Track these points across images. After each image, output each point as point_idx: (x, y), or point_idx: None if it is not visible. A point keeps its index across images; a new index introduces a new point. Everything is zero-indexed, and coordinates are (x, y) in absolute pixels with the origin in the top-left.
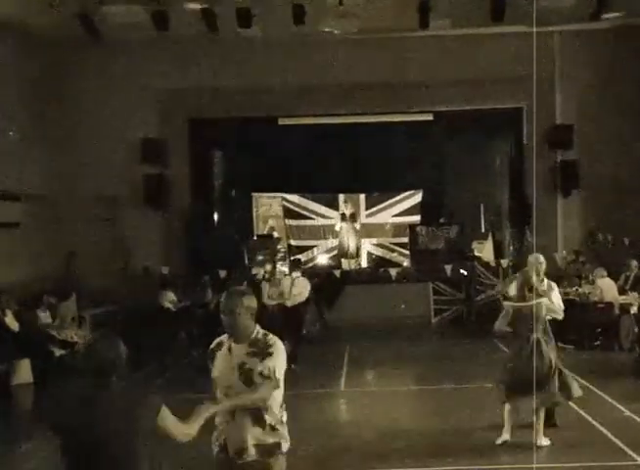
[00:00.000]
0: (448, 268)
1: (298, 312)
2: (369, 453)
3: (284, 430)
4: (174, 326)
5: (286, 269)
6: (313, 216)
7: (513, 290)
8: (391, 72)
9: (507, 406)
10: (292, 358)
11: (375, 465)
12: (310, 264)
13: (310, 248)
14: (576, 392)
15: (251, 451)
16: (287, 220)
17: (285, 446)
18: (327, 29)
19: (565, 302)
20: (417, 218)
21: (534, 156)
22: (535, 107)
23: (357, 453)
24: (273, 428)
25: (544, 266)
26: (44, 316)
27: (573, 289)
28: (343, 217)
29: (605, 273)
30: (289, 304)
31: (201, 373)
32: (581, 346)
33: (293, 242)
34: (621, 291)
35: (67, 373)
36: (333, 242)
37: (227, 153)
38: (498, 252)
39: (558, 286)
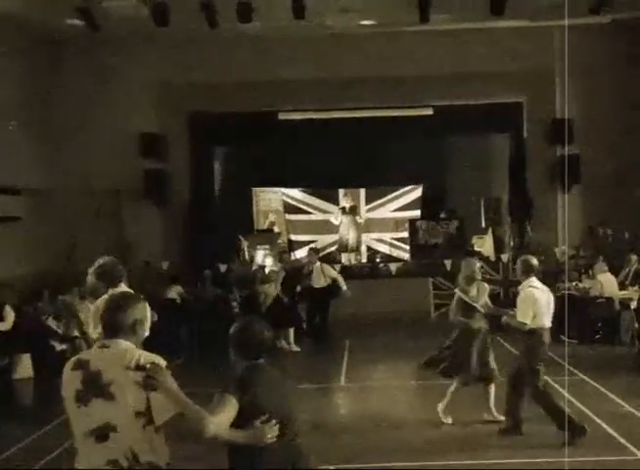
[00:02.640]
0: (448, 263)
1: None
2: (369, 448)
3: None
4: (176, 320)
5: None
6: (313, 211)
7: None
8: (392, 67)
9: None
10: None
11: (375, 459)
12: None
13: (310, 243)
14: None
15: None
16: (287, 215)
17: None
18: (327, 24)
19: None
20: (417, 213)
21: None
22: (535, 101)
23: (357, 448)
24: None
25: (473, 271)
26: (46, 311)
27: (574, 284)
28: (344, 212)
29: (605, 268)
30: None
31: (201, 368)
32: (581, 340)
33: (293, 237)
34: (622, 286)
35: None
36: (333, 237)
37: (227, 147)
38: (498, 246)
39: (558, 281)
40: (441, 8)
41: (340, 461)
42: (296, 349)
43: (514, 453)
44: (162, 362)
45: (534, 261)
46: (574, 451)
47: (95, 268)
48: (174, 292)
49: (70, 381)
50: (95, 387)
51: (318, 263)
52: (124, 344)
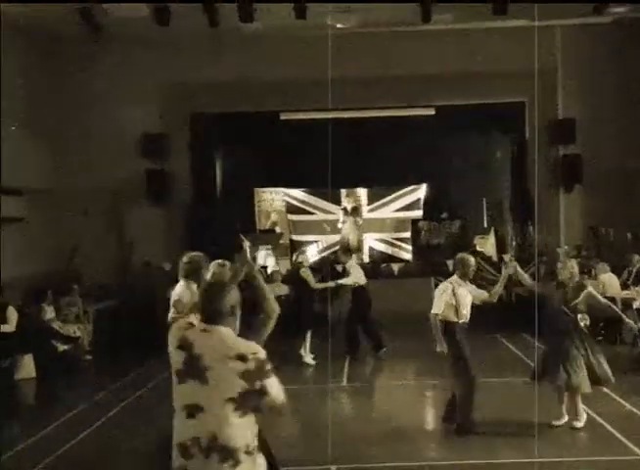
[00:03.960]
0: (451, 263)
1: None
2: (370, 447)
3: None
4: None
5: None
6: (315, 211)
7: None
8: (394, 67)
9: None
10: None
11: (376, 458)
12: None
13: (312, 243)
14: None
15: None
16: (289, 215)
17: None
18: (328, 23)
19: None
20: (419, 213)
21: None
22: (537, 101)
23: (358, 446)
24: None
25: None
26: (48, 311)
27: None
28: (345, 212)
29: (607, 268)
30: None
31: None
32: None
33: (294, 237)
34: (624, 286)
35: None
36: (335, 237)
37: (229, 148)
38: (500, 246)
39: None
40: (444, 7)
41: (342, 462)
42: (310, 361)
43: (517, 453)
44: (262, 352)
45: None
46: (576, 451)
47: (184, 262)
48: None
49: (176, 358)
50: (193, 369)
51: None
52: (224, 330)
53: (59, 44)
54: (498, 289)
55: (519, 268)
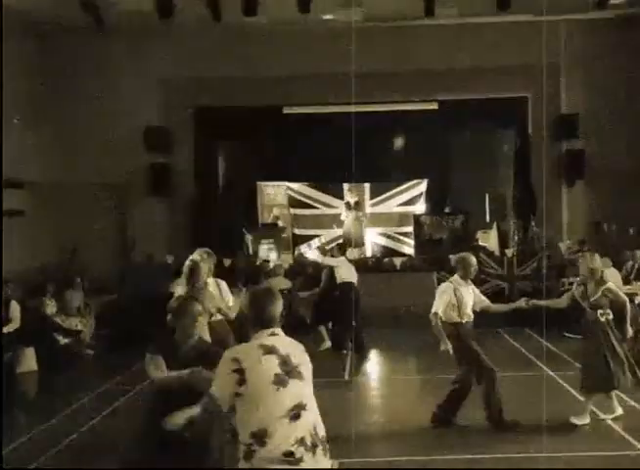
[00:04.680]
0: (453, 258)
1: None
2: (372, 442)
3: None
4: None
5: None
6: (318, 205)
7: None
8: (397, 61)
9: None
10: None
11: (379, 453)
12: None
13: (315, 237)
14: None
15: None
16: (291, 209)
17: None
18: (332, 18)
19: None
20: (421, 208)
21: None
22: (540, 96)
23: (360, 441)
24: None
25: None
26: (50, 305)
27: (578, 279)
28: (348, 207)
29: (609, 263)
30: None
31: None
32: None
33: (297, 231)
34: (626, 281)
35: None
36: (337, 231)
37: (232, 142)
38: (503, 241)
39: (562, 276)
40: (447, 2)
41: (344, 456)
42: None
43: (520, 448)
44: None
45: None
46: (577, 446)
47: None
48: (179, 286)
49: (267, 365)
50: (290, 369)
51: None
52: (281, 331)
53: (61, 37)
54: (500, 308)
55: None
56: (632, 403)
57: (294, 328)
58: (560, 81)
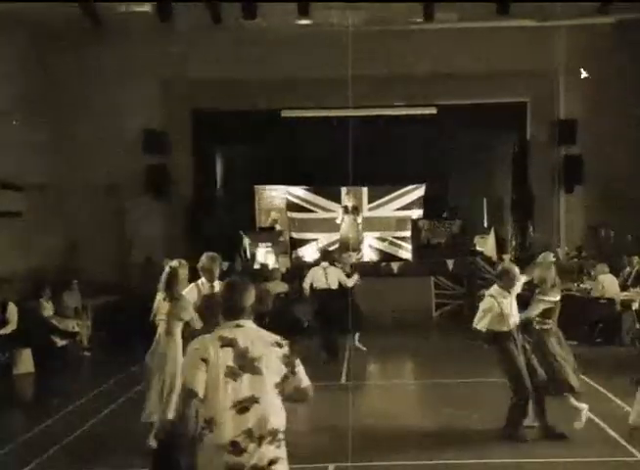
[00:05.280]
0: (450, 263)
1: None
2: (369, 446)
3: None
4: None
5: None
6: (315, 209)
7: None
8: (396, 66)
9: None
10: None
11: (373, 457)
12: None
13: (312, 241)
14: None
15: None
16: (289, 213)
17: None
18: (331, 21)
19: (566, 297)
20: (419, 212)
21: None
22: (539, 101)
23: (356, 445)
24: None
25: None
26: (47, 306)
27: (575, 284)
28: (346, 211)
29: (607, 269)
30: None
31: None
32: (582, 341)
33: (294, 235)
34: (623, 287)
35: None
36: (335, 235)
37: (229, 145)
38: (501, 246)
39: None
40: (446, 6)
41: (341, 459)
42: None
43: (515, 453)
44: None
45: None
46: (575, 452)
47: None
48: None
49: (223, 357)
50: (245, 363)
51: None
52: (252, 324)
53: (59, 39)
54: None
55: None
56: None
57: (290, 330)
58: (558, 87)
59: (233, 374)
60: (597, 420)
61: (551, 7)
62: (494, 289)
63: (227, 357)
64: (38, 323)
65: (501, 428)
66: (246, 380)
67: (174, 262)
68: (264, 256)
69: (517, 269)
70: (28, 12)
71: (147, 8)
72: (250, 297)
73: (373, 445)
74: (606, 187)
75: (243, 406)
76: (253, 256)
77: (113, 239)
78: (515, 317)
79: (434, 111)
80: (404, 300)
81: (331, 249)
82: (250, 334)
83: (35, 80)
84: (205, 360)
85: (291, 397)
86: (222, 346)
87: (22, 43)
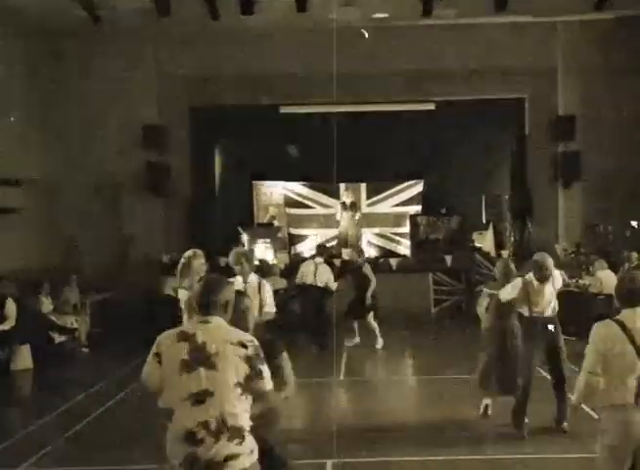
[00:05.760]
0: (449, 259)
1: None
2: (366, 441)
3: None
4: (173, 314)
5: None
6: (314, 205)
7: None
8: (394, 61)
9: None
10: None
11: (371, 452)
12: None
13: (310, 237)
14: None
15: None
16: (287, 209)
17: None
18: (330, 17)
19: (565, 293)
20: (418, 208)
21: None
22: (538, 98)
23: (354, 441)
24: None
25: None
26: (45, 302)
27: (573, 280)
28: (344, 207)
29: (605, 265)
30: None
31: None
32: (581, 337)
33: (293, 230)
34: None
35: None
36: (333, 231)
37: (228, 141)
38: (499, 242)
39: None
40: (445, 2)
41: (338, 455)
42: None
43: (512, 449)
44: (255, 340)
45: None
46: (573, 448)
47: None
48: (169, 286)
49: (177, 351)
50: (201, 357)
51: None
52: (220, 320)
53: (58, 35)
54: None
55: None
56: None
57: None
58: (557, 83)
59: (187, 367)
60: (595, 416)
61: (549, 3)
62: (529, 274)
63: (181, 352)
64: (37, 319)
65: (500, 424)
66: (201, 373)
67: (189, 252)
68: (263, 251)
69: (548, 261)
70: (26, 8)
71: (145, 4)
72: (223, 293)
73: (370, 440)
74: (604, 183)
75: (197, 399)
76: (252, 251)
77: (111, 235)
78: (542, 307)
79: (432, 107)
80: (403, 296)
81: (329, 245)
82: (212, 331)
83: (33, 76)
84: (157, 355)
85: (255, 398)
86: (178, 341)
87: (20, 39)
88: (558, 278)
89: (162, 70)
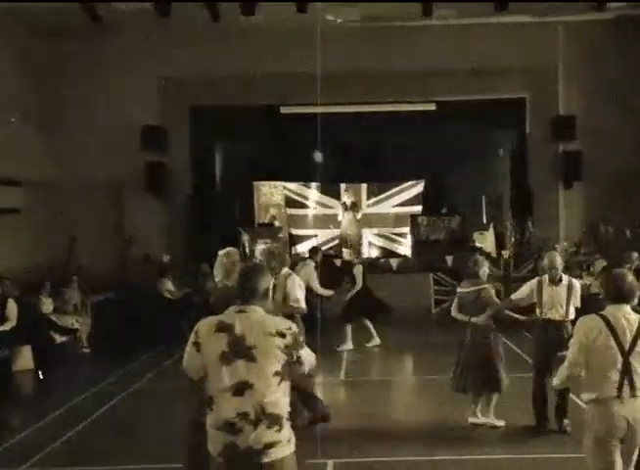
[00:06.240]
0: (449, 259)
1: None
2: (366, 441)
3: None
4: (174, 314)
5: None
6: (314, 206)
7: None
8: (394, 61)
9: None
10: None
11: (371, 452)
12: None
13: (311, 237)
14: None
15: None
16: (288, 209)
17: None
18: (330, 18)
19: None
20: (418, 209)
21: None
22: (538, 97)
23: (354, 441)
24: None
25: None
26: (46, 303)
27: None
28: (345, 207)
29: (606, 265)
30: None
31: None
32: None
33: (293, 231)
34: None
35: None
36: (334, 231)
37: (228, 141)
38: (499, 242)
39: None
40: (445, 2)
41: (338, 455)
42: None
43: (511, 449)
44: (294, 326)
45: None
46: (572, 446)
47: None
48: (165, 289)
49: (216, 342)
50: (240, 349)
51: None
52: (259, 310)
53: (58, 35)
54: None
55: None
56: None
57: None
58: (558, 82)
59: (226, 359)
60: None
61: (550, 3)
62: (545, 276)
63: (221, 343)
64: (38, 320)
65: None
66: (240, 365)
67: (221, 251)
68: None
69: (557, 260)
70: (27, 8)
71: (145, 4)
72: (261, 281)
73: (371, 440)
74: (605, 183)
75: (237, 390)
76: (252, 252)
77: (112, 236)
78: (555, 309)
79: (433, 107)
80: (403, 296)
81: (327, 246)
82: (250, 322)
83: (33, 77)
84: (196, 344)
85: (295, 381)
86: (216, 331)
87: (20, 40)
88: (577, 288)
89: (163, 70)
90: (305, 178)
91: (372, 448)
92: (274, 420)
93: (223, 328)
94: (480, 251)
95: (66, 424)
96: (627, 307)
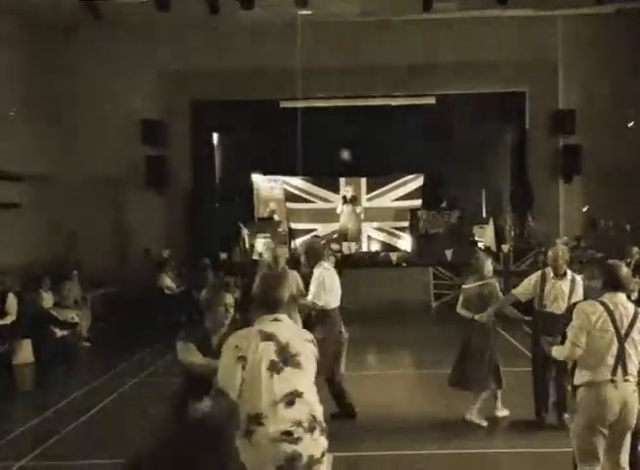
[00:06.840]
0: (449, 253)
1: None
2: (367, 435)
3: None
4: (174, 309)
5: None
6: (314, 200)
7: None
8: (395, 55)
9: None
10: None
11: (374, 447)
12: None
13: (311, 231)
14: None
15: None
16: (287, 203)
17: None
18: (329, 12)
19: None
20: (418, 203)
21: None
22: (538, 91)
23: (354, 435)
24: None
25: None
26: (46, 297)
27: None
28: (345, 201)
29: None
30: None
31: None
32: None
33: (293, 225)
34: None
35: None
36: (333, 225)
37: (228, 135)
38: (499, 237)
39: None
40: None
41: (339, 449)
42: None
43: (511, 443)
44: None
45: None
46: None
47: None
48: (164, 284)
49: (263, 351)
50: (287, 357)
51: None
52: (287, 317)
53: (58, 30)
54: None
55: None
56: None
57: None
58: (557, 77)
59: (276, 368)
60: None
61: None
62: (548, 268)
63: (269, 351)
64: (38, 314)
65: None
66: (287, 374)
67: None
68: (263, 246)
69: (558, 252)
70: (26, 3)
71: None
72: (285, 289)
73: (371, 434)
74: (605, 177)
75: (289, 400)
76: (252, 246)
77: (112, 230)
78: (552, 303)
79: (432, 101)
80: (403, 290)
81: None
82: (288, 329)
83: (34, 71)
84: (242, 358)
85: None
86: (262, 340)
87: (21, 34)
88: (580, 283)
89: (162, 64)
90: (305, 172)
91: (372, 442)
92: (322, 426)
93: (267, 338)
94: (477, 244)
95: (66, 418)
96: (623, 296)
